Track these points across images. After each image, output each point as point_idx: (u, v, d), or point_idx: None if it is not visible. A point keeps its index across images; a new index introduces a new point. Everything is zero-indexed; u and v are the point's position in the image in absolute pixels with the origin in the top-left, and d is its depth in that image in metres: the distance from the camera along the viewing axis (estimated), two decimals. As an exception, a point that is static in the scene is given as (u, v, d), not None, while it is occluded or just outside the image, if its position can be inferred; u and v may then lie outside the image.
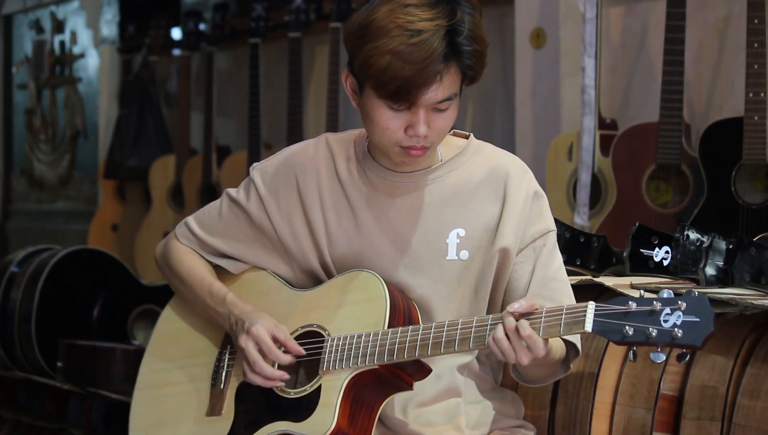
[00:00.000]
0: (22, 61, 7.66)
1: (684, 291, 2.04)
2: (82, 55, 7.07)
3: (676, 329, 1.99)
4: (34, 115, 7.53)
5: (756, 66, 3.47)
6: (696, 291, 2.02)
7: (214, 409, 2.39)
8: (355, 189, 2.36)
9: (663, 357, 2.01)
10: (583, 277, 2.83)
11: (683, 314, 1.99)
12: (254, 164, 2.48)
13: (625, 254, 2.95)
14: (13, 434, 4.79)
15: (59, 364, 4.37)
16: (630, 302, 2.03)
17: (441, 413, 2.37)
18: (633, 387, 2.62)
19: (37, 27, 7.46)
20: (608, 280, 2.77)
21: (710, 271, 2.82)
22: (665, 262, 2.91)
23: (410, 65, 2.12)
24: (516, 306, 2.10)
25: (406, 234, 2.33)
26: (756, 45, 3.48)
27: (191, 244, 2.50)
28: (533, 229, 2.34)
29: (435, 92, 2.16)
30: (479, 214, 2.33)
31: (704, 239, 2.85)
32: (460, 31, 2.14)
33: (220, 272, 2.49)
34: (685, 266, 2.87)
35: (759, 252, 2.78)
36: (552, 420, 2.72)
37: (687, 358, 2.02)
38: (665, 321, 2.00)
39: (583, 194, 3.91)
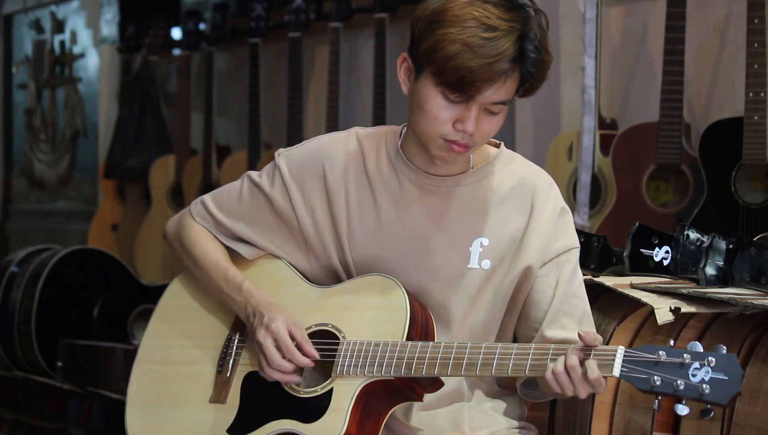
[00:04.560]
0: (22, 61, 7.66)
1: (713, 347, 2.03)
2: (82, 55, 7.07)
3: (704, 385, 1.99)
4: (34, 115, 7.52)
5: (756, 66, 3.47)
6: (725, 347, 2.02)
7: (218, 397, 2.36)
8: (383, 187, 2.33)
9: (687, 410, 2.02)
10: (584, 277, 2.82)
11: (712, 371, 2.00)
12: (280, 150, 2.43)
13: (625, 254, 2.95)
14: (13, 434, 4.79)
15: (59, 364, 4.37)
16: (660, 352, 2.03)
17: (444, 417, 2.36)
18: (633, 387, 2.61)
19: (37, 27, 7.45)
20: (608, 280, 2.77)
21: (710, 270, 2.82)
22: (665, 262, 2.91)
23: (479, 58, 2.10)
24: (583, 336, 2.10)
25: (430, 238, 2.31)
26: (756, 45, 3.48)
27: (207, 224, 2.45)
28: (558, 244, 2.33)
29: (496, 91, 2.14)
30: (504, 224, 2.32)
31: (704, 239, 2.85)
32: (531, 39, 2.13)
33: (233, 257, 2.44)
34: (685, 266, 2.87)
35: (759, 252, 2.78)
36: (552, 421, 2.72)
37: (711, 415, 2.02)
38: (693, 375, 2.00)
39: (583, 194, 3.91)
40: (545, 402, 2.72)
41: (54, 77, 7.32)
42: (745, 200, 3.50)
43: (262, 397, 2.32)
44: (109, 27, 6.74)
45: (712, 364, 2.00)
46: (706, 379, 1.99)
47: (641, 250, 2.94)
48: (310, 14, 5.25)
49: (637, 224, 2.96)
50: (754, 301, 2.52)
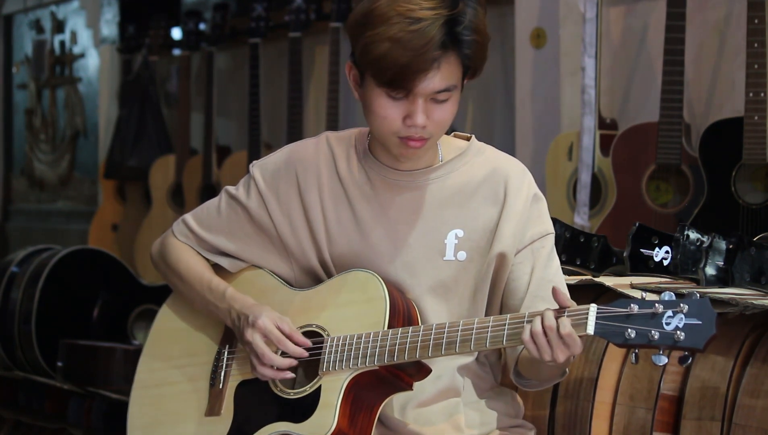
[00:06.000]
0: (22, 61, 7.66)
1: (686, 293, 2.04)
2: (82, 55, 7.07)
3: (678, 332, 1.99)
4: (34, 115, 7.53)
5: (756, 66, 3.47)
6: (697, 293, 2.01)
7: (213, 409, 2.39)
8: (355, 187, 2.36)
9: (665, 360, 2.01)
10: (583, 277, 2.83)
11: (685, 317, 1.99)
12: (254, 162, 2.48)
13: (625, 254, 2.95)
14: (13, 434, 4.79)
15: (59, 364, 4.37)
16: (632, 305, 2.03)
17: (440, 413, 2.37)
18: (633, 387, 2.62)
19: (37, 27, 7.46)
20: (608, 280, 2.77)
21: (710, 271, 2.82)
22: (665, 262, 2.91)
23: (408, 51, 2.12)
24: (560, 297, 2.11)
25: (405, 233, 2.33)
26: (756, 45, 3.48)
27: (189, 241, 2.49)
28: (532, 231, 2.34)
29: (432, 80, 2.16)
30: (478, 215, 2.33)
31: (704, 239, 2.85)
32: (460, 21, 2.15)
33: (217, 271, 2.48)
34: (685, 266, 2.87)
35: (759, 252, 2.78)
36: (552, 420, 2.72)
37: (690, 361, 2.01)
38: (667, 324, 2.00)
39: (583, 194, 3.91)
40: (545, 400, 2.72)
41: (54, 77, 7.32)
42: (745, 200, 3.50)
43: (255, 403, 2.34)
44: (109, 27, 6.74)
45: (684, 311, 2.00)
46: (680, 325, 1.99)
47: (641, 250, 2.94)
48: (310, 14, 5.25)
49: (637, 224, 2.96)
50: (754, 301, 2.52)
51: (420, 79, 2.15)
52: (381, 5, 2.16)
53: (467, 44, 2.16)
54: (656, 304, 2.01)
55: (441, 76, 2.16)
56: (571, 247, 3.07)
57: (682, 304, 2.00)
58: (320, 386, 2.26)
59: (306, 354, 2.29)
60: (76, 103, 7.12)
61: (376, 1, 2.17)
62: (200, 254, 2.48)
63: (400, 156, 2.29)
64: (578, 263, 3.08)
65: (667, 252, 2.91)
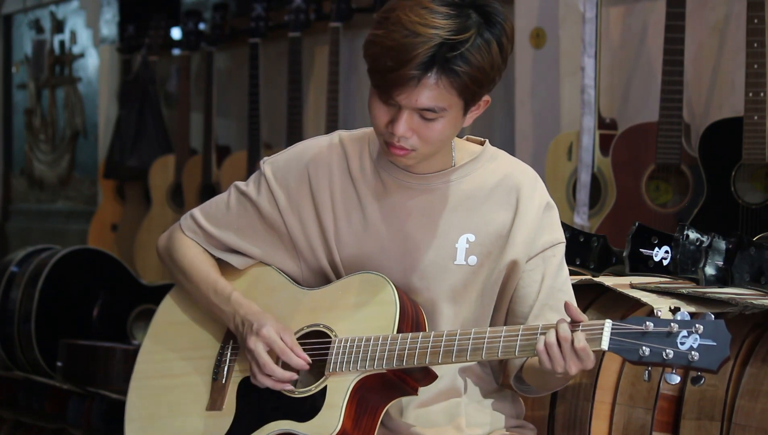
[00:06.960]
0: (22, 61, 7.66)
1: (700, 314, 2.04)
2: (81, 55, 7.07)
3: (692, 352, 2.00)
4: (34, 115, 7.53)
5: (756, 66, 3.48)
6: (712, 314, 2.02)
7: (214, 404, 2.37)
8: (367, 188, 2.34)
9: (678, 379, 2.02)
10: (583, 277, 2.83)
11: (700, 338, 2.00)
12: (265, 158, 2.45)
13: (624, 254, 2.95)
14: (13, 434, 4.79)
15: (59, 364, 4.37)
16: (647, 322, 2.03)
17: (441, 413, 2.37)
18: (633, 387, 2.62)
19: (37, 27, 7.46)
20: (608, 280, 2.78)
21: (710, 270, 2.82)
22: (665, 262, 2.91)
23: (392, 62, 2.11)
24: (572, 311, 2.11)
25: (416, 236, 2.32)
26: (756, 45, 3.48)
27: (196, 237, 2.46)
28: (544, 239, 2.34)
29: (415, 96, 2.13)
30: (490, 220, 2.32)
31: (704, 239, 2.85)
32: (456, 48, 2.11)
33: (224, 266, 2.46)
34: (684, 266, 2.87)
35: (759, 252, 2.78)
36: (552, 420, 2.72)
37: (702, 382, 2.02)
38: (682, 343, 2.01)
39: (583, 194, 3.92)
40: (545, 401, 2.72)
41: (54, 77, 7.32)
42: (745, 200, 3.50)
43: (258, 400, 2.33)
44: (108, 27, 6.75)
45: (699, 331, 2.00)
46: (695, 346, 2.00)
47: (641, 250, 2.94)
48: (310, 14, 5.25)
49: (636, 224, 2.96)
50: (753, 301, 2.52)
51: (399, 91, 2.13)
52: (396, 9, 2.14)
53: (456, 74, 2.12)
54: (671, 323, 2.02)
55: (428, 96, 2.13)
56: (571, 246, 3.06)
57: (697, 325, 2.01)
58: (326, 386, 2.25)
59: (307, 366, 2.29)
60: (76, 103, 7.13)
61: (397, 5, 2.14)
62: (207, 252, 2.46)
63: (393, 161, 2.28)
64: (578, 263, 3.08)
65: (666, 252, 2.92)
